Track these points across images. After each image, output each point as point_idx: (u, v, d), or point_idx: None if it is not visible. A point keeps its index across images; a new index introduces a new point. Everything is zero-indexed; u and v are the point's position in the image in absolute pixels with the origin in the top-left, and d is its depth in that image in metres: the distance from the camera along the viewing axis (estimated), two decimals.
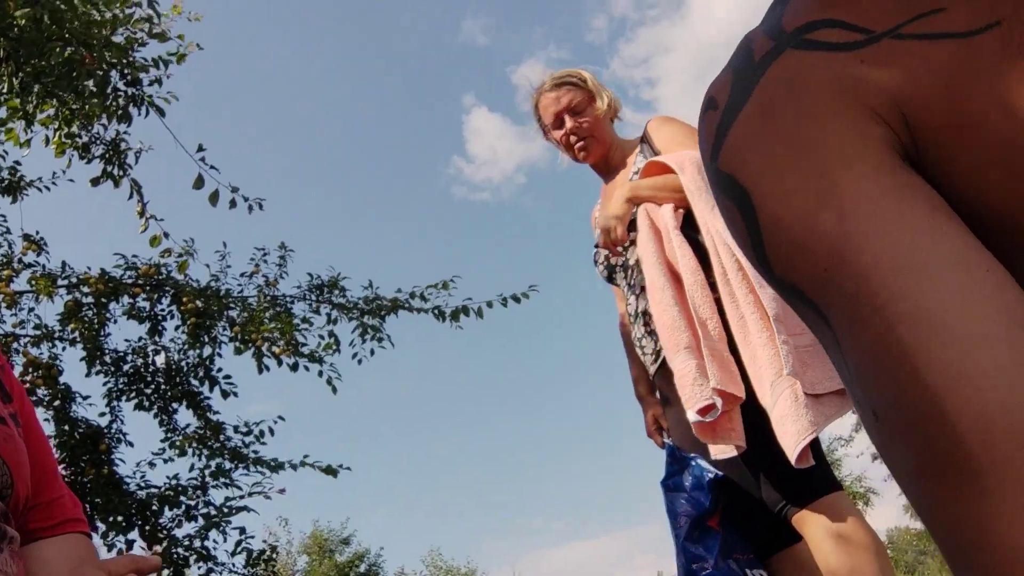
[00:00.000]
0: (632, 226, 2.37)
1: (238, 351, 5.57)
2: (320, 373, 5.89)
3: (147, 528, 5.45)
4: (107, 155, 5.17)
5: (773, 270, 0.55)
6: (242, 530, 5.78)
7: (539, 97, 2.67)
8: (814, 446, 1.95)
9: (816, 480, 1.97)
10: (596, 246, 2.60)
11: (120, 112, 4.67)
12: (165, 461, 5.97)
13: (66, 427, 5.30)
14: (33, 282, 5.34)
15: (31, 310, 5.53)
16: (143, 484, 5.66)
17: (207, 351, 5.94)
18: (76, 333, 5.46)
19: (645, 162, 2.42)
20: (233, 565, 5.78)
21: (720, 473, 2.19)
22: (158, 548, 5.34)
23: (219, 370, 6.06)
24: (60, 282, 5.46)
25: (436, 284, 6.18)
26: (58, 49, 4.48)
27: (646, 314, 2.37)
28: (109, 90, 4.72)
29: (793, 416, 1.83)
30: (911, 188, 0.50)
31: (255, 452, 6.04)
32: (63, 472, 5.14)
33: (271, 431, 6.08)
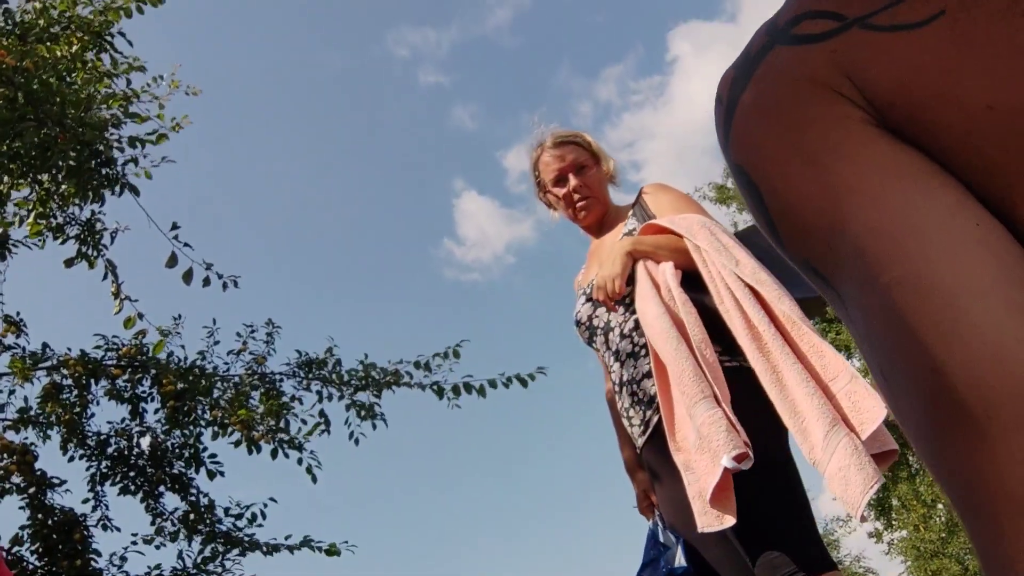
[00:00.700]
0: (629, 282, 2.31)
1: (215, 435, 5.41)
2: (300, 461, 5.70)
3: None
4: (82, 235, 5.11)
5: (788, 250, 0.60)
6: None
7: (540, 153, 2.66)
8: (810, 524, 1.93)
9: (814, 559, 1.89)
10: (584, 303, 2.52)
11: (93, 193, 4.60)
12: (157, 547, 5.77)
13: (40, 515, 5.12)
14: (12, 366, 5.23)
15: (11, 392, 5.42)
16: None
17: (190, 432, 5.78)
18: (54, 416, 5.32)
19: (639, 224, 2.42)
20: None
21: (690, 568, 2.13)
22: None
23: (204, 449, 5.90)
24: (40, 364, 5.34)
25: (442, 352, 5.90)
26: (32, 129, 4.44)
27: (632, 383, 2.29)
28: (83, 170, 4.65)
29: (857, 466, 1.73)
30: (896, 157, 0.53)
31: (249, 535, 5.83)
32: (36, 563, 4.95)
33: (262, 514, 5.89)
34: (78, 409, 5.47)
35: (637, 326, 2.30)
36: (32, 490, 5.10)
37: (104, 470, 5.79)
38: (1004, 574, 0.45)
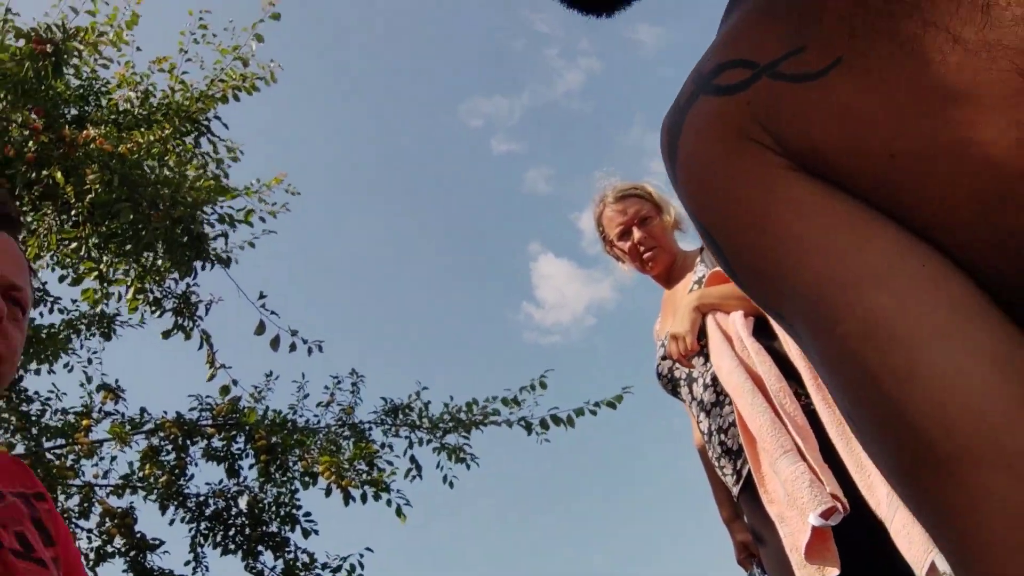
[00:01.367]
0: (701, 335, 2.31)
1: (305, 485, 5.57)
2: (388, 502, 5.79)
3: None
4: (178, 308, 5.40)
5: (750, 295, 0.60)
6: None
7: (603, 209, 2.68)
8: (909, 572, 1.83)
9: None
10: (663, 358, 2.52)
11: (186, 267, 4.88)
12: None
13: None
14: (112, 431, 5.53)
15: (113, 459, 5.72)
16: None
17: (285, 489, 5.95)
18: (153, 478, 5.57)
19: (707, 271, 2.40)
20: None
21: None
22: None
23: (299, 507, 6.05)
24: (139, 429, 5.63)
25: (528, 385, 5.86)
26: (127, 209, 4.75)
27: (720, 432, 2.27)
28: (175, 245, 4.94)
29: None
30: (830, 203, 0.53)
31: None
32: None
33: (360, 564, 5.97)
34: (177, 471, 5.73)
35: None
36: (133, 553, 5.34)
37: (204, 531, 6.01)
38: None
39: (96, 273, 5.09)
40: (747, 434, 2.09)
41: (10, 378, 1.17)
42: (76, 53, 4.96)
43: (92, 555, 5.42)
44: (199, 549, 5.96)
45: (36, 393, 5.73)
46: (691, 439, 2.68)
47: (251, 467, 5.95)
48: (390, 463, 5.95)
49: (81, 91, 5.63)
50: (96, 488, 5.63)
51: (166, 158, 5.14)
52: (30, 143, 5.00)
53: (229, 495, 6.07)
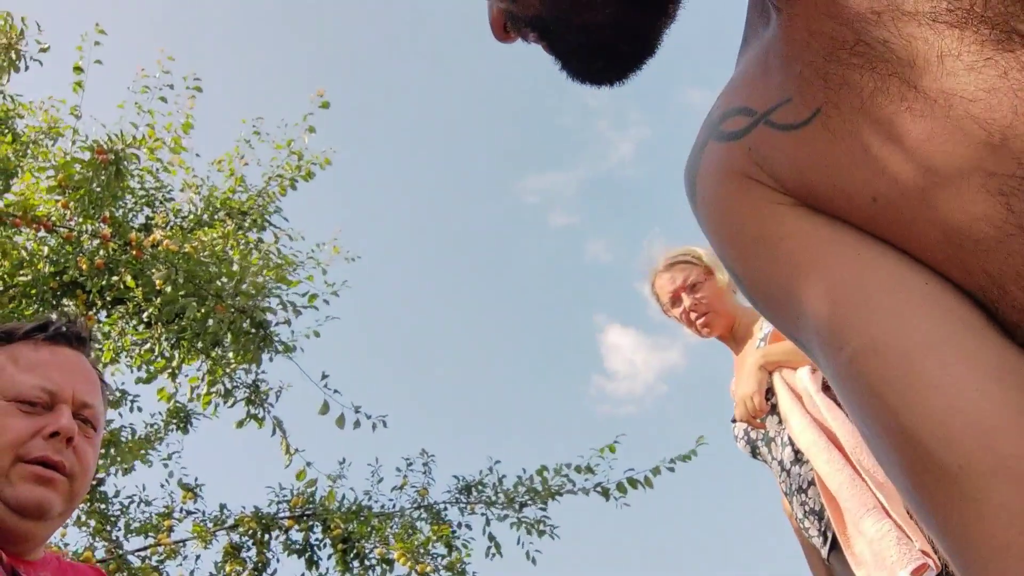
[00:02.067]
0: (770, 395, 2.26)
1: (383, 572, 5.46)
2: None
3: None
4: (249, 397, 5.46)
5: (772, 322, 0.62)
6: None
7: (655, 278, 2.68)
8: None
9: None
10: (733, 421, 2.47)
11: (253, 357, 4.96)
12: None
13: None
14: (194, 530, 5.55)
15: (197, 558, 5.72)
16: None
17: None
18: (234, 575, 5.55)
19: (770, 329, 2.37)
20: None
21: None
22: None
23: None
24: (219, 527, 5.63)
25: (600, 449, 5.69)
26: (193, 305, 4.87)
27: (802, 492, 2.20)
28: (241, 336, 5.03)
29: None
30: (832, 233, 0.55)
31: None
32: None
33: None
34: (259, 566, 5.69)
35: None
36: None
37: None
38: None
39: (169, 371, 5.20)
40: (827, 494, 2.01)
41: (83, 494, 1.21)
42: (136, 159, 5.18)
43: None
44: None
45: (116, 495, 5.82)
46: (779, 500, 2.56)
47: (329, 557, 5.88)
48: (466, 544, 5.81)
49: (146, 198, 5.88)
50: None
51: (229, 252, 5.27)
52: (100, 251, 5.21)
53: None
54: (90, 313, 5.54)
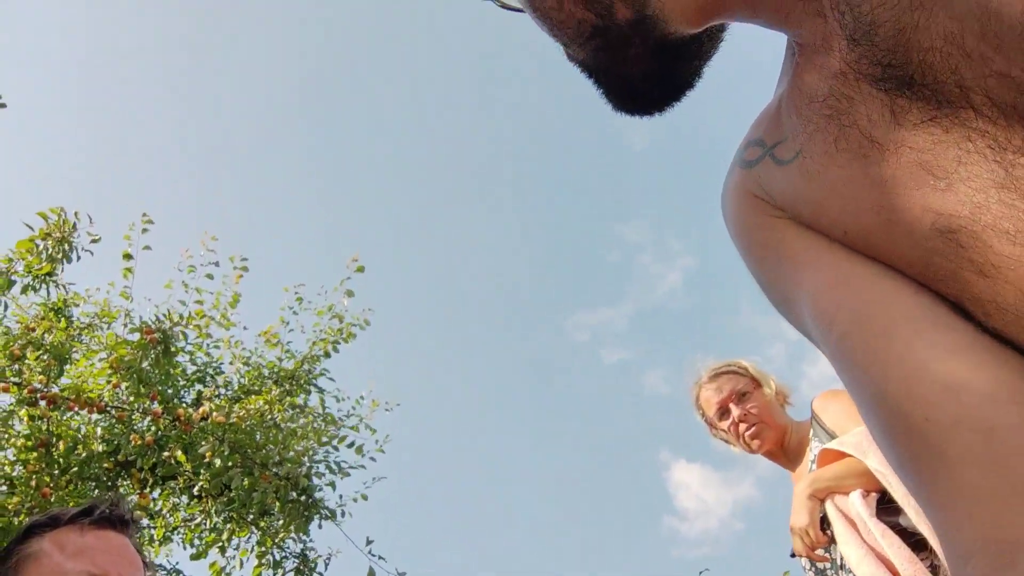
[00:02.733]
0: (826, 524, 2.15)
1: None
2: None
3: None
4: (298, 567, 5.38)
5: (789, 321, 0.68)
6: None
7: (699, 391, 2.54)
8: None
9: None
10: (792, 555, 2.31)
11: (300, 526, 4.93)
12: None
13: None
14: None
15: None
16: None
17: None
18: None
19: (819, 449, 2.25)
20: None
21: None
22: None
23: None
24: None
25: None
26: (239, 475, 4.90)
27: None
28: (287, 504, 5.02)
29: None
30: (827, 243, 0.62)
31: None
32: None
33: None
34: None
35: None
36: None
37: None
38: None
39: (219, 545, 5.18)
40: None
41: None
42: (183, 336, 5.36)
43: None
44: None
45: None
46: None
47: None
48: None
49: (198, 374, 6.05)
50: None
51: (275, 418, 5.34)
52: (151, 428, 5.33)
53: None
54: (143, 491, 5.61)
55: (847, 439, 2.12)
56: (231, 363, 6.26)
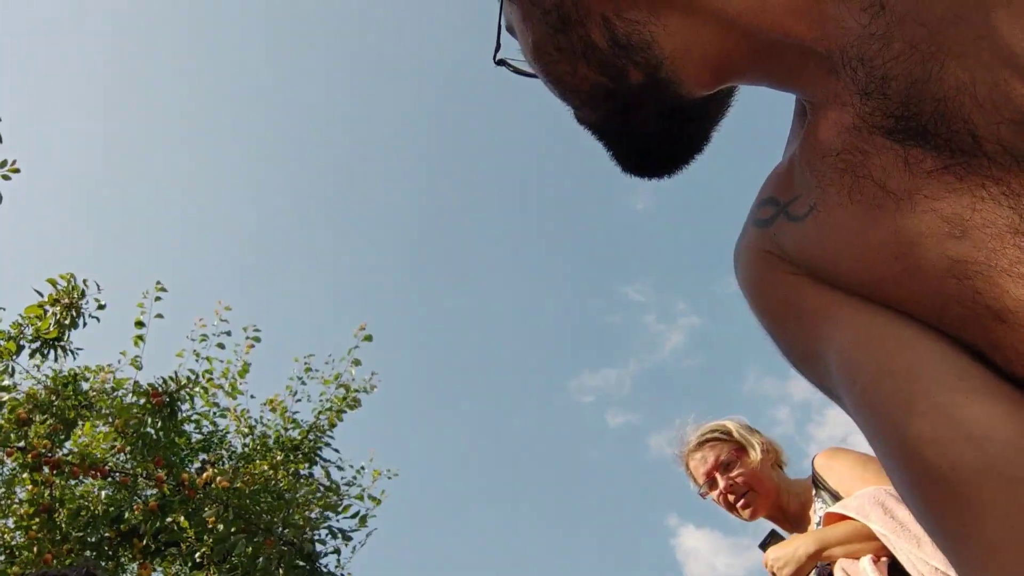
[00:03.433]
0: None
1: None
2: None
3: None
4: None
5: (808, 379, 0.68)
6: None
7: (687, 459, 2.50)
8: None
9: None
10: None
11: None
12: None
13: None
14: None
15: None
16: None
17: None
18: None
19: (824, 512, 2.18)
20: None
21: None
22: None
23: None
24: None
25: None
26: (243, 540, 4.85)
27: None
28: (293, 569, 4.95)
29: None
30: (846, 298, 0.62)
31: None
32: None
33: None
34: None
35: None
36: None
37: None
38: None
39: None
40: None
41: None
42: (190, 401, 5.39)
43: None
44: None
45: None
46: None
47: None
48: None
49: (203, 442, 6.03)
50: None
51: (280, 484, 5.31)
52: (155, 493, 5.29)
53: None
54: (145, 561, 5.54)
55: (849, 503, 2.08)
56: (237, 430, 6.26)
